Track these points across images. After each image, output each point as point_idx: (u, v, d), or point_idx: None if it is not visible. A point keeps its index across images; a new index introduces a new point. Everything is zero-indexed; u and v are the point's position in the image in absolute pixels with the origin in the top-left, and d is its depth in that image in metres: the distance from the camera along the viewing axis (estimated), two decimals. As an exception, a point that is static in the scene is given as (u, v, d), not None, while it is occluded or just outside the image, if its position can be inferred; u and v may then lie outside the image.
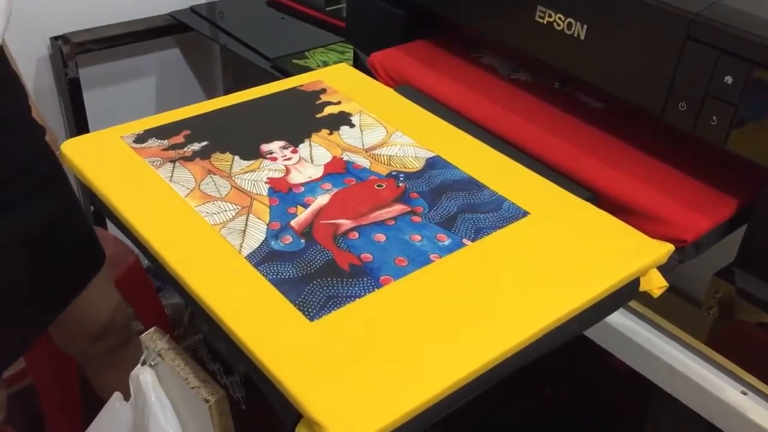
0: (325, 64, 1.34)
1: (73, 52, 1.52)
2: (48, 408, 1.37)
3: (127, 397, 0.71)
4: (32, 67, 1.53)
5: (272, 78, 1.32)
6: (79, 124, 1.58)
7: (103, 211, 0.58)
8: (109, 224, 0.92)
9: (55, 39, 1.52)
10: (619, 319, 0.74)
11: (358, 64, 0.89)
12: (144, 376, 0.66)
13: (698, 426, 0.71)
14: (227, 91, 1.85)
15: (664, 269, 0.56)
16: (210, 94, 1.86)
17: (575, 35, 0.64)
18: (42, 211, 0.96)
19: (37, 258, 0.98)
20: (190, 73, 1.80)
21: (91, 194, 0.59)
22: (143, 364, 0.66)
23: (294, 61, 1.36)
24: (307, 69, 1.31)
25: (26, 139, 0.96)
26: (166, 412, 0.66)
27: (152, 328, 0.67)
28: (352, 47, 0.93)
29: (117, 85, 1.69)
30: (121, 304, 1.19)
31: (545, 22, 0.66)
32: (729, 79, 0.55)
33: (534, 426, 1.27)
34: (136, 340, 1.21)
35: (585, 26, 0.63)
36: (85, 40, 1.53)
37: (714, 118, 0.57)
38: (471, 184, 0.60)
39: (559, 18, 0.65)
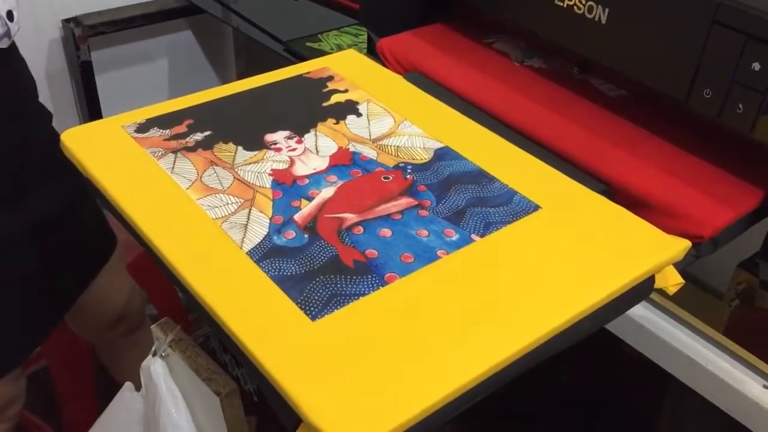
0: (339, 47, 1.32)
1: (85, 35, 1.51)
2: (63, 392, 1.38)
3: (138, 386, 0.71)
4: (44, 50, 1.53)
5: (285, 61, 1.30)
6: (91, 107, 1.58)
7: (103, 204, 0.57)
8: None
9: (66, 21, 1.51)
10: (637, 310, 0.73)
11: (372, 47, 0.87)
12: (155, 367, 0.65)
13: (716, 415, 0.69)
14: (240, 74, 1.84)
15: (680, 265, 0.54)
16: (223, 77, 1.84)
17: (596, 19, 0.62)
18: (56, 196, 0.97)
19: (53, 244, 0.99)
20: (202, 56, 1.79)
21: (91, 186, 0.58)
22: (154, 354, 0.65)
23: (307, 44, 1.34)
24: (320, 52, 1.29)
25: (39, 126, 0.96)
26: (178, 404, 0.66)
27: (163, 319, 0.66)
28: (366, 30, 0.91)
29: (129, 68, 1.68)
30: (135, 288, 1.20)
31: (565, 6, 0.64)
32: (756, 66, 0.53)
33: (550, 414, 1.26)
34: (149, 324, 1.22)
35: (606, 9, 0.61)
36: (97, 22, 1.52)
37: (740, 105, 0.55)
38: (481, 177, 0.58)
39: (580, 1, 0.63)
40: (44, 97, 1.55)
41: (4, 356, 0.98)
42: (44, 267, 0.98)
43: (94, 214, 1.08)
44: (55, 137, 0.98)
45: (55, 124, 1.60)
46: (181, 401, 0.66)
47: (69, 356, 1.34)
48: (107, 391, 1.17)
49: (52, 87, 1.57)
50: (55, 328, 1.06)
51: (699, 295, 0.72)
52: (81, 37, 1.50)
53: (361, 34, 1.36)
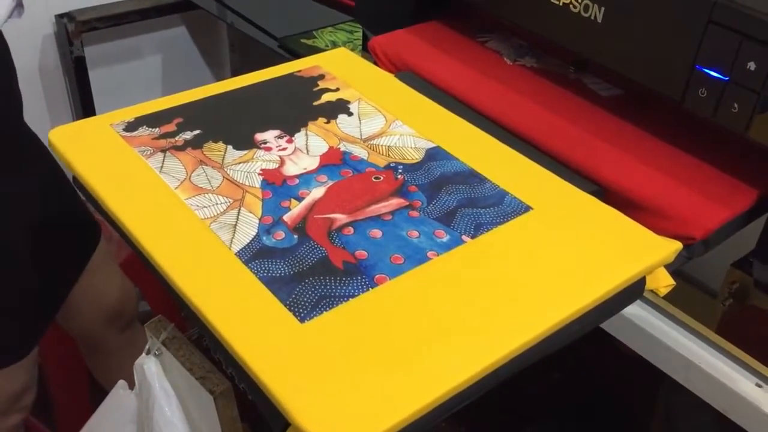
0: (334, 44, 1.31)
1: (78, 30, 1.50)
2: (56, 390, 1.38)
3: (131, 384, 0.71)
4: (37, 45, 1.52)
5: (280, 58, 1.29)
6: (84, 103, 1.57)
7: (91, 203, 0.57)
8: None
9: (60, 16, 1.50)
10: (631, 308, 0.72)
11: (367, 45, 0.87)
12: (148, 366, 0.65)
13: (709, 412, 0.69)
14: (234, 71, 1.84)
15: (672, 266, 0.54)
16: (217, 74, 1.84)
17: (592, 17, 0.61)
18: (42, 177, 0.99)
19: (44, 231, 0.99)
20: (196, 52, 1.78)
21: (78, 185, 0.57)
22: (148, 353, 0.65)
23: (302, 40, 1.33)
24: (315, 49, 1.28)
25: (14, 114, 0.96)
26: (171, 403, 0.65)
27: (157, 317, 0.66)
28: (360, 27, 0.91)
29: (123, 64, 1.67)
30: (128, 284, 1.20)
31: (561, 4, 0.63)
32: (752, 66, 0.53)
33: (543, 412, 1.26)
34: (140, 323, 1.22)
35: (602, 8, 0.61)
36: (91, 17, 1.51)
37: (735, 105, 0.55)
38: (472, 177, 0.58)
39: (576, 0, 0.62)
40: (37, 93, 1.56)
41: (13, 344, 0.99)
42: (37, 255, 0.98)
43: (74, 198, 1.07)
44: (26, 127, 0.99)
45: (48, 119, 1.60)
46: (175, 400, 0.65)
47: (62, 354, 1.33)
48: (101, 389, 1.16)
49: (44, 82, 1.57)
50: (55, 315, 1.06)
51: (693, 294, 0.72)
52: (74, 32, 1.49)
53: (356, 31, 1.36)
